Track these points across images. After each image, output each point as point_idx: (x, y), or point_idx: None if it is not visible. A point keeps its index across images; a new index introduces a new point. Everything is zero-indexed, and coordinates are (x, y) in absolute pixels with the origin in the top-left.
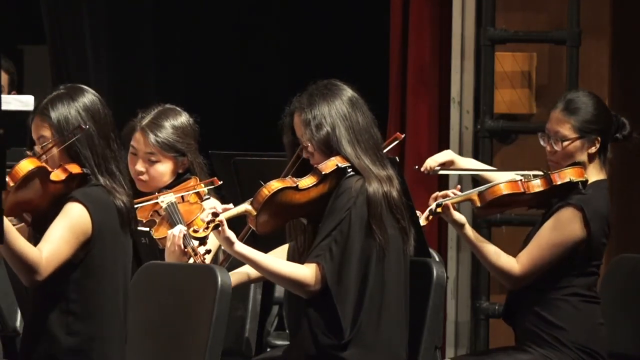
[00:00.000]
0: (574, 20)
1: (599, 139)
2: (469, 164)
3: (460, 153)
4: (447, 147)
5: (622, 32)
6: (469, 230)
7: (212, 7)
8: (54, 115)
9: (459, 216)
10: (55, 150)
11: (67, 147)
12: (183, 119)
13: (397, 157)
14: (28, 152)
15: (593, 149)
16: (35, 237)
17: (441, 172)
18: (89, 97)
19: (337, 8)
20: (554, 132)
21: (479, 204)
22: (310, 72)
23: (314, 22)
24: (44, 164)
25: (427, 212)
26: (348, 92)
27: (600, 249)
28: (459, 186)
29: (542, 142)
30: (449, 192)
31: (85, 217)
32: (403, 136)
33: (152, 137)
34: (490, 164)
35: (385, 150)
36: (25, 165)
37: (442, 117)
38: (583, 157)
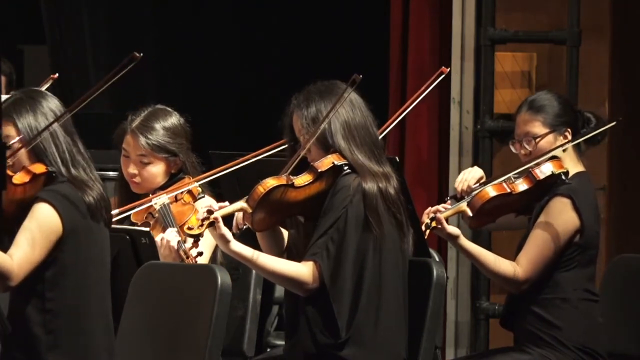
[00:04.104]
0: (574, 20)
1: (569, 130)
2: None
3: (460, 153)
4: (447, 147)
5: (622, 32)
6: (464, 241)
7: (212, 7)
8: (17, 116)
9: (452, 229)
10: (23, 152)
11: (31, 148)
12: (173, 119)
13: (396, 157)
14: None
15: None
16: (6, 242)
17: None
18: (50, 100)
19: (337, 8)
20: (524, 134)
21: (470, 213)
22: (310, 72)
23: (314, 22)
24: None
25: (423, 227)
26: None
27: (594, 237)
28: (449, 200)
29: (513, 150)
30: (439, 207)
31: (53, 216)
32: (448, 70)
33: (142, 139)
34: (490, 164)
35: (431, 88)
36: None
37: (442, 117)
38: (557, 150)
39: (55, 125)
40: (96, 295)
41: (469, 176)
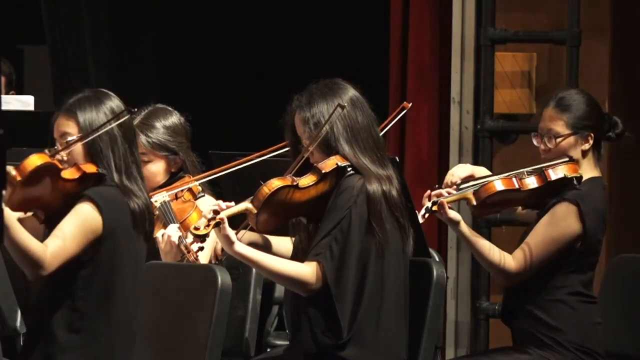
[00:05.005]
0: (574, 20)
1: (592, 135)
2: (483, 172)
3: (460, 153)
4: (447, 147)
5: (622, 32)
6: (464, 227)
7: (212, 7)
8: (80, 113)
9: (454, 214)
10: (78, 145)
11: (89, 147)
12: (174, 118)
13: (397, 157)
14: (47, 151)
15: (586, 146)
16: (47, 234)
17: (462, 186)
18: (115, 101)
19: (337, 8)
20: (547, 129)
21: (474, 202)
22: (310, 72)
23: (314, 22)
24: (54, 161)
25: (423, 211)
26: (350, 91)
27: (596, 245)
28: (455, 185)
29: (535, 142)
30: (443, 191)
31: (95, 216)
32: (410, 105)
33: (143, 137)
34: (490, 164)
35: (392, 123)
36: (34, 160)
37: (442, 117)
38: (576, 153)
39: (116, 131)
40: (125, 301)
41: (455, 172)
